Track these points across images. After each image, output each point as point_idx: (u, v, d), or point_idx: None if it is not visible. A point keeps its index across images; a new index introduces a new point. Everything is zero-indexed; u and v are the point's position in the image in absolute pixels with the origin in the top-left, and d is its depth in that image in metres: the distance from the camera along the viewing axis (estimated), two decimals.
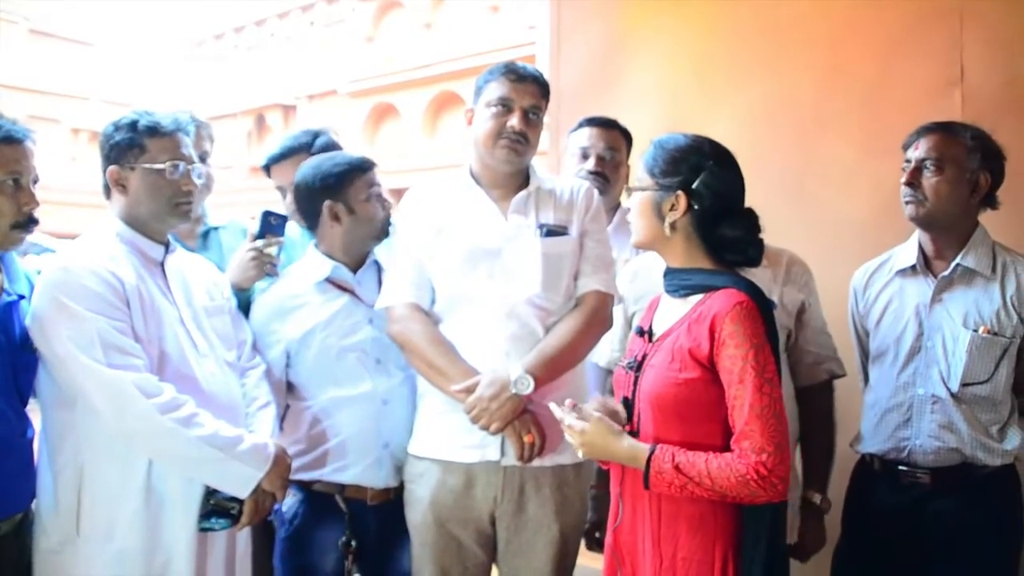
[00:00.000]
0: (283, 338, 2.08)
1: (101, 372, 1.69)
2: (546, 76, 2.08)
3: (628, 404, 1.64)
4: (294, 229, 2.35)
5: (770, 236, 1.66)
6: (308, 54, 10.02)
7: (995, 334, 1.99)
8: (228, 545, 1.90)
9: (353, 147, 2.89)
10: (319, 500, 2.06)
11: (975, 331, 1.99)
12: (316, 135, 2.50)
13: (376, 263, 2.20)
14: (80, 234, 1.89)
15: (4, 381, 1.73)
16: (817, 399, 2.20)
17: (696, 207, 1.59)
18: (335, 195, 2.11)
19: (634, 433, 1.61)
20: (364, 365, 2.08)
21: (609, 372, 2.19)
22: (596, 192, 2.14)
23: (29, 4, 10.27)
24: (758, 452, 1.46)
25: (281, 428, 2.05)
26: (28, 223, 1.76)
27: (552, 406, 1.69)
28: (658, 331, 1.66)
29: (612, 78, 3.35)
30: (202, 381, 1.85)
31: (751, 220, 1.62)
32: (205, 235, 2.45)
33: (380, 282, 2.13)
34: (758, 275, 1.69)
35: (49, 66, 10.31)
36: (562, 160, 2.64)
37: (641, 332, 1.70)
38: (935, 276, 2.08)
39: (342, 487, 2.05)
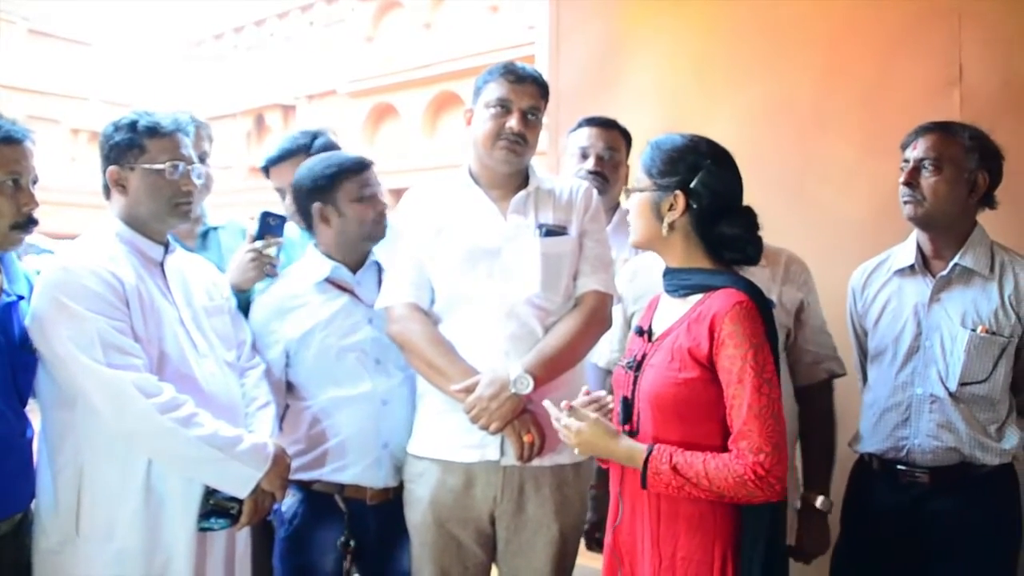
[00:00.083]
0: (283, 338, 2.08)
1: (101, 372, 1.69)
2: (545, 76, 2.08)
3: (628, 404, 1.64)
4: (293, 230, 2.35)
5: (769, 236, 1.67)
6: (307, 54, 10.01)
7: (993, 333, 1.99)
8: (228, 545, 1.90)
9: (353, 147, 2.89)
10: (318, 500, 2.06)
11: (973, 331, 2.00)
12: (315, 136, 2.49)
13: (376, 263, 2.20)
14: (80, 234, 1.89)
15: (3, 381, 1.73)
16: (816, 398, 2.20)
17: (694, 206, 1.59)
18: (324, 197, 2.11)
19: (633, 433, 1.62)
20: (364, 365, 2.08)
21: (608, 372, 2.19)
22: (595, 192, 2.14)
23: (28, 4, 10.27)
24: (756, 452, 1.46)
25: (280, 428, 2.05)
26: (27, 223, 1.76)
27: (547, 405, 1.69)
28: (657, 331, 1.66)
29: (611, 78, 3.36)
30: (202, 381, 1.85)
31: (750, 218, 1.62)
32: (204, 235, 2.45)
33: (380, 282, 2.13)
34: (757, 274, 1.69)
35: (48, 66, 10.31)
36: (561, 160, 2.64)
37: (640, 332, 1.70)
38: (933, 276, 2.08)
39: (341, 487, 2.05)
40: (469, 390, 1.87)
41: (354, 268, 2.15)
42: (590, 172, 2.38)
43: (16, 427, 1.76)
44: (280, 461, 1.85)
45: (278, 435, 1.98)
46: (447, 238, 2.02)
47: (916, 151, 2.05)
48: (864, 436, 2.16)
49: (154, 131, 1.86)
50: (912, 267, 2.11)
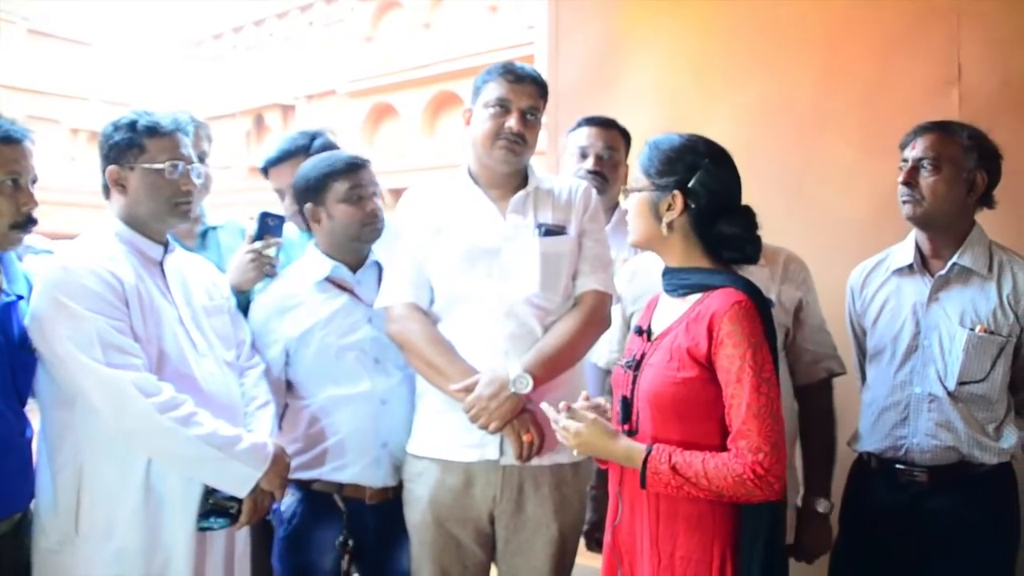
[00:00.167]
0: (282, 337, 2.09)
1: (100, 371, 1.69)
2: (544, 76, 2.08)
3: (627, 403, 1.64)
4: (293, 230, 2.35)
5: (768, 235, 1.67)
6: (307, 54, 10.02)
7: (991, 333, 1.99)
8: (227, 544, 1.90)
9: (352, 147, 2.89)
10: (318, 499, 2.06)
11: (972, 330, 2.00)
12: (314, 137, 2.49)
13: (377, 263, 2.20)
14: (79, 234, 1.89)
15: (3, 381, 1.73)
16: (816, 397, 2.20)
17: (693, 206, 1.59)
18: (315, 198, 2.12)
19: (632, 432, 1.62)
20: (363, 364, 2.08)
21: (607, 372, 2.19)
22: (594, 191, 2.14)
23: (28, 4, 10.28)
24: (754, 452, 1.46)
25: (280, 427, 2.05)
26: (27, 223, 1.76)
27: (545, 407, 1.69)
28: (657, 330, 1.66)
29: (610, 78, 3.36)
30: (201, 381, 1.85)
31: (748, 217, 1.62)
32: (203, 235, 2.45)
33: (380, 282, 2.13)
34: (756, 273, 1.69)
35: (48, 66, 10.32)
36: (560, 160, 2.64)
37: (640, 331, 1.70)
38: (932, 275, 2.08)
39: (341, 486, 2.05)
40: (468, 390, 1.88)
41: (354, 267, 2.15)
42: (589, 172, 2.38)
43: (15, 427, 1.76)
44: (279, 460, 1.86)
45: (277, 434, 1.98)
46: (446, 238, 2.02)
47: (915, 151, 2.05)
48: (863, 435, 2.17)
49: (154, 131, 1.86)
50: (911, 266, 2.12)
